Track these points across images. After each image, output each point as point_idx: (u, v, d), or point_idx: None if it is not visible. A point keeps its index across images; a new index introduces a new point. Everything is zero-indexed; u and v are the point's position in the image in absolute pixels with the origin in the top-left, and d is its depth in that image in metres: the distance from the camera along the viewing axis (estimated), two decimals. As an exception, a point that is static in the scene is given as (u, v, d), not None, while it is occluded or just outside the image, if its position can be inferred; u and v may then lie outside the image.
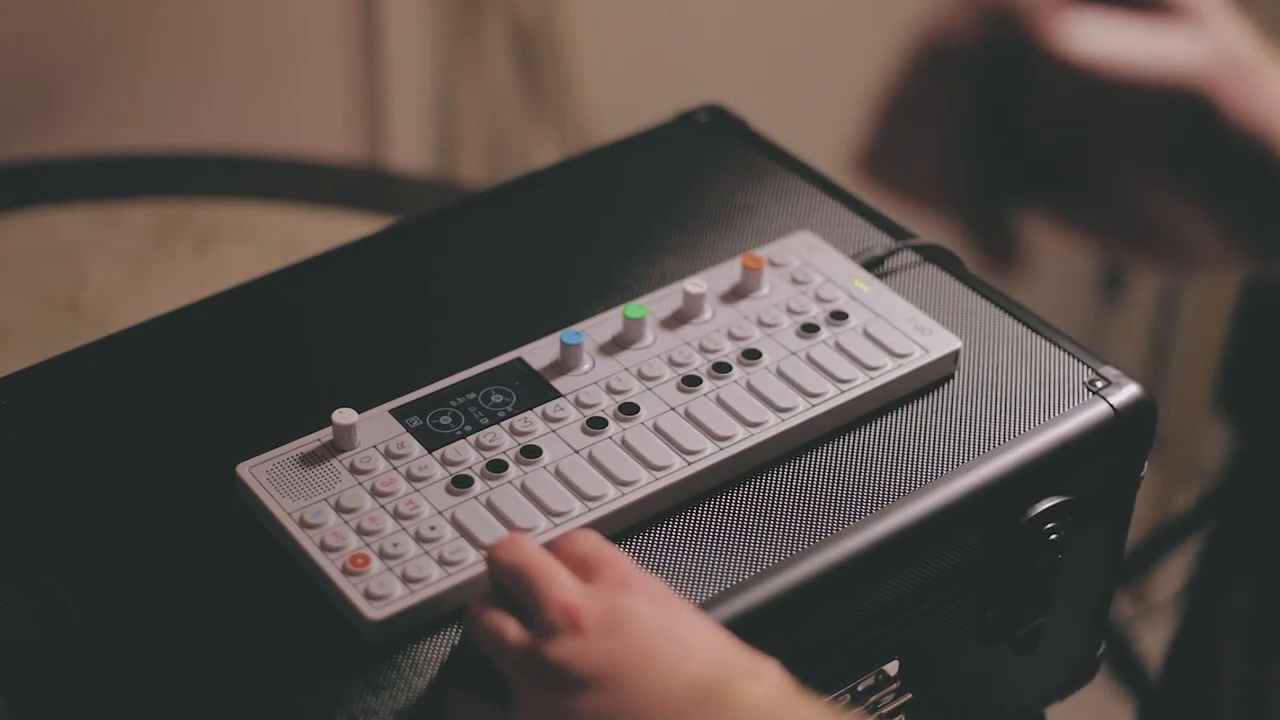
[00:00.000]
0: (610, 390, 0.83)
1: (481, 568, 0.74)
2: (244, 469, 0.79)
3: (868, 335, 0.86)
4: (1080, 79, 0.48)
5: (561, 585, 0.68)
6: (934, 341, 0.86)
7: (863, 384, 0.84)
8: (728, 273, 0.90)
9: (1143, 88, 0.48)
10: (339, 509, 0.77)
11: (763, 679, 0.66)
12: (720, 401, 0.82)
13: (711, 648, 0.67)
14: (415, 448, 0.80)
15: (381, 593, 0.73)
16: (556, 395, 0.83)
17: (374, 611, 0.72)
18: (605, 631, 0.66)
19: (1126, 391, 0.85)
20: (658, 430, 0.81)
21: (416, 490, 0.78)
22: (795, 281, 0.89)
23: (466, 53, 1.77)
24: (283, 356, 0.88)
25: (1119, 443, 0.85)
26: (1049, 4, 0.49)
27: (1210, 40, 0.50)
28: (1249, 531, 0.55)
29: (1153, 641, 1.96)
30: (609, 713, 0.64)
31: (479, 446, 0.80)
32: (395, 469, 0.79)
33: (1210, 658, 0.56)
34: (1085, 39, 0.48)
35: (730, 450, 0.80)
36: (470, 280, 0.93)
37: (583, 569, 0.70)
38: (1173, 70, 0.48)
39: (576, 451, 0.80)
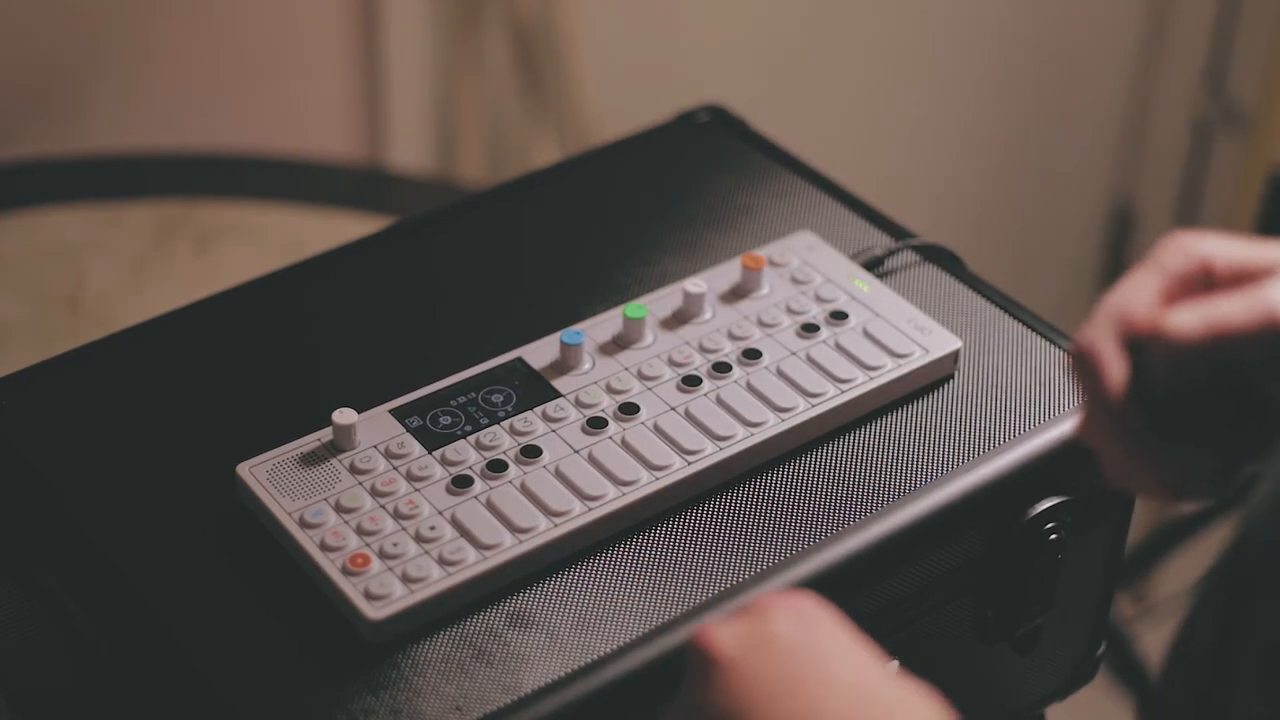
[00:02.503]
0: (610, 390, 0.83)
1: (481, 567, 0.74)
2: (244, 469, 0.79)
3: (868, 335, 0.86)
4: (1182, 348, 0.62)
5: (700, 624, 0.65)
6: (934, 341, 0.86)
7: (863, 384, 0.84)
8: (728, 273, 0.90)
9: (1234, 336, 0.62)
10: (339, 509, 0.77)
11: None
12: (720, 401, 0.82)
13: (854, 680, 0.62)
14: (415, 448, 0.80)
15: (381, 593, 0.73)
16: (556, 395, 0.83)
17: (374, 611, 0.72)
18: (743, 655, 0.62)
19: (1126, 391, 0.85)
20: (658, 430, 0.81)
21: (416, 490, 0.78)
22: (795, 281, 0.89)
23: (466, 53, 1.77)
24: (283, 356, 0.88)
25: (1119, 443, 0.85)
26: (1155, 308, 0.64)
27: None
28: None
29: (1153, 641, 1.96)
30: None
31: (479, 446, 0.80)
32: (395, 469, 0.79)
33: (1223, 679, 0.56)
34: (1181, 320, 0.62)
35: (730, 450, 0.80)
36: (470, 280, 0.93)
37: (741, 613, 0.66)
38: (1253, 313, 0.62)
39: (576, 451, 0.80)
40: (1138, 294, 0.65)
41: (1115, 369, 0.64)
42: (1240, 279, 0.64)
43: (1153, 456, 0.65)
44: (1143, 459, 0.65)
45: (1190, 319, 0.62)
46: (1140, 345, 0.64)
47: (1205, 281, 0.65)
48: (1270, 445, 0.61)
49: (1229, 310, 0.62)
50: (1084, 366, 0.65)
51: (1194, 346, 0.62)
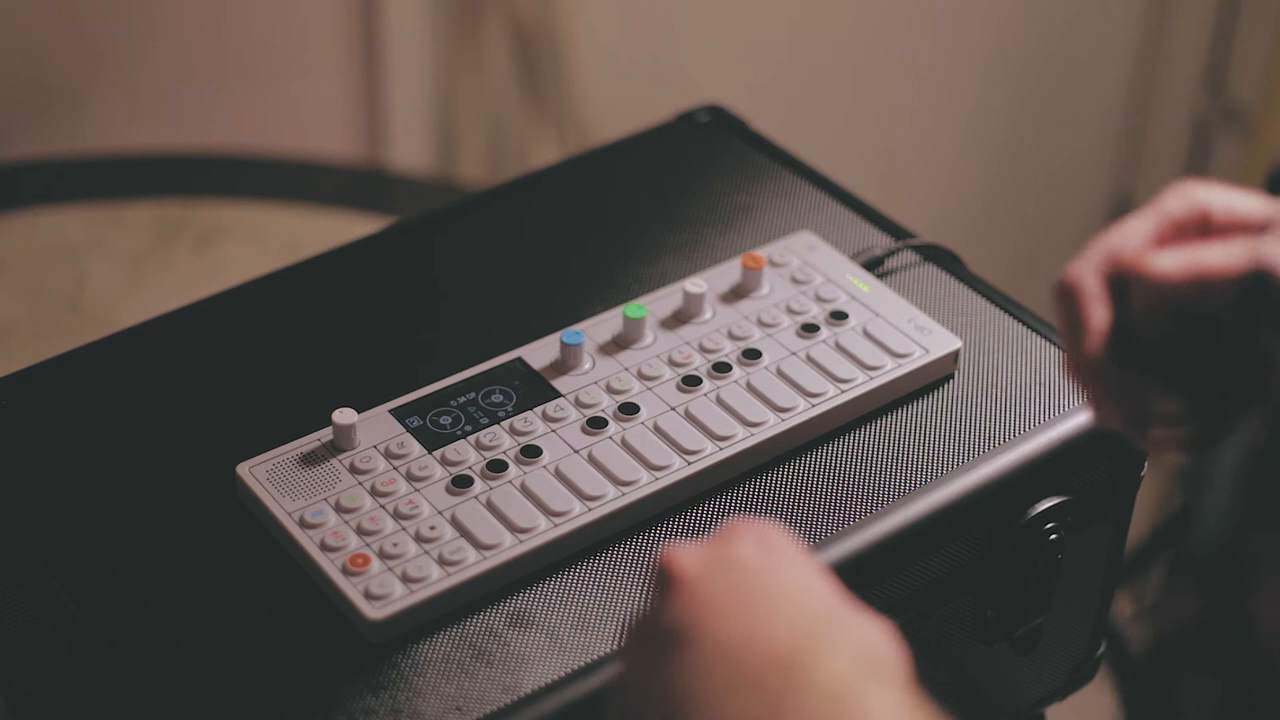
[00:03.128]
0: (610, 390, 0.83)
1: (481, 567, 0.74)
2: (244, 469, 0.79)
3: (868, 335, 0.86)
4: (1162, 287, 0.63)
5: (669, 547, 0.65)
6: (934, 341, 0.86)
7: (863, 384, 0.84)
8: (728, 273, 0.90)
9: (1213, 283, 0.62)
10: (339, 509, 0.77)
11: (843, 650, 0.59)
12: (720, 401, 0.82)
13: (801, 602, 0.61)
14: (415, 448, 0.80)
15: (381, 593, 0.73)
16: (556, 395, 0.83)
17: (374, 611, 0.72)
18: (701, 575, 0.61)
19: (1126, 391, 0.85)
20: (658, 430, 0.81)
21: (416, 490, 0.78)
22: (795, 281, 0.89)
23: (466, 53, 1.77)
24: (283, 356, 0.88)
25: (1119, 442, 0.85)
26: (1144, 248, 0.65)
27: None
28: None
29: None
30: (682, 678, 0.59)
31: (479, 446, 0.80)
32: (395, 469, 0.79)
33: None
34: (1163, 261, 0.63)
35: (730, 450, 0.80)
36: (470, 280, 0.93)
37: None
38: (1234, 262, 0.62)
39: (576, 451, 0.80)
40: (1131, 235, 0.66)
41: (1096, 304, 0.65)
42: (1236, 230, 0.65)
43: (1127, 396, 0.65)
44: (1117, 397, 0.65)
45: (1171, 261, 0.63)
46: (1124, 284, 0.64)
47: (1203, 230, 0.65)
48: (1239, 409, 0.61)
49: (1211, 257, 0.63)
50: (1066, 299, 0.65)
51: (1173, 289, 0.63)
